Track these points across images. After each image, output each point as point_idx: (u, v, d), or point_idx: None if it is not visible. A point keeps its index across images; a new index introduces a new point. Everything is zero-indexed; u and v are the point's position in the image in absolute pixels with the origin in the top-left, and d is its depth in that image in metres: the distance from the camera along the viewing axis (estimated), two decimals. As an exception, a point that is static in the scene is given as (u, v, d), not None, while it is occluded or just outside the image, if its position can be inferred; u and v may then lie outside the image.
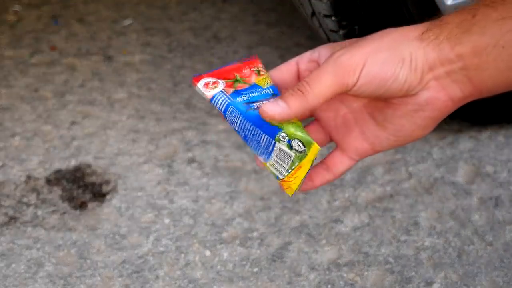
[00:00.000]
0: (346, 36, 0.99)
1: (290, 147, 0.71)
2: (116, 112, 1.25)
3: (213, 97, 0.71)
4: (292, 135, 0.70)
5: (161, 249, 1.00)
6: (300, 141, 0.70)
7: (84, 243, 1.01)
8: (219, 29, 1.49)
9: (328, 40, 1.06)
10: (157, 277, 0.96)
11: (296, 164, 0.72)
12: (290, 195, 0.74)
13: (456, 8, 0.98)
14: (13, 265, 0.97)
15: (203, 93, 0.71)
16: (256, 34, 1.48)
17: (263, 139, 0.72)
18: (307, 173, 0.72)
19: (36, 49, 1.42)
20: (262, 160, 0.72)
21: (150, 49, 1.43)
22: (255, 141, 0.73)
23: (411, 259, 0.98)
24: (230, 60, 1.39)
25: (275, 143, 0.71)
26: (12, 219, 1.04)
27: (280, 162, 0.73)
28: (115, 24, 1.51)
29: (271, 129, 0.70)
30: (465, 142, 1.16)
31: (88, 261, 0.98)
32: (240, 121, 0.71)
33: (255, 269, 0.97)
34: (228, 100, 0.71)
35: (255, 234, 1.02)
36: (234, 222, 1.04)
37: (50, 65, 1.37)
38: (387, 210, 1.05)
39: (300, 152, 0.71)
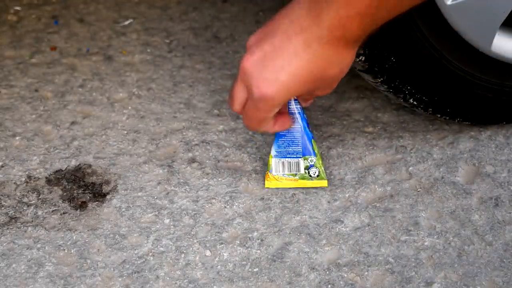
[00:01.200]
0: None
1: (307, 168, 1.04)
2: (116, 112, 1.25)
3: (296, 99, 1.03)
4: (317, 164, 1.05)
5: (161, 249, 1.00)
6: (319, 172, 1.05)
7: (84, 243, 1.01)
8: (219, 29, 1.49)
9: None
10: (157, 277, 0.96)
11: (296, 177, 1.05)
12: (265, 187, 1.07)
13: (456, 8, 0.98)
14: (14, 265, 0.97)
15: None
16: (256, 34, 1.48)
17: (295, 149, 1.04)
18: (292, 188, 1.06)
19: (36, 49, 1.42)
20: (272, 153, 1.04)
21: (150, 49, 1.43)
22: (287, 143, 1.04)
23: (411, 259, 0.98)
24: (230, 60, 1.39)
25: (300, 157, 1.04)
26: (13, 219, 1.04)
27: (286, 167, 1.04)
28: (115, 24, 1.51)
29: (308, 150, 1.04)
30: (465, 142, 1.16)
31: (88, 261, 0.98)
32: (296, 126, 1.03)
33: (255, 269, 0.97)
34: (300, 110, 1.04)
35: (255, 234, 1.02)
36: (234, 222, 1.04)
37: (50, 65, 1.37)
38: (387, 210, 1.05)
39: (311, 176, 1.05)
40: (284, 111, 1.00)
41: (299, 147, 1.04)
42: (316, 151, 1.05)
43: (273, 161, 1.05)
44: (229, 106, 0.92)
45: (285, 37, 0.83)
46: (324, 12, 0.79)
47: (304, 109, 1.04)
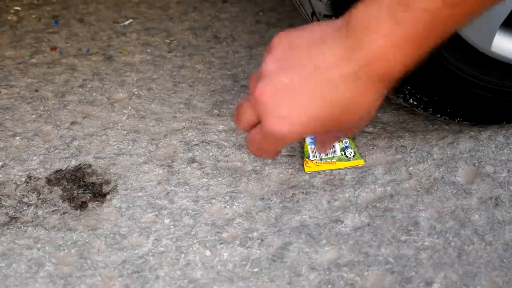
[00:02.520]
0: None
1: (343, 149, 1.10)
2: (116, 112, 1.25)
3: None
4: (351, 146, 1.11)
5: (161, 249, 1.00)
6: (354, 152, 1.11)
7: (84, 243, 1.01)
8: (219, 29, 1.49)
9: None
10: (157, 277, 0.96)
11: (333, 160, 1.10)
12: (305, 172, 1.10)
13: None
14: (14, 265, 0.97)
15: None
16: (256, 34, 1.48)
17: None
18: (332, 170, 1.10)
19: (36, 49, 1.42)
20: (307, 141, 1.10)
21: (150, 49, 1.43)
22: None
23: (411, 259, 0.98)
24: (230, 60, 1.39)
25: None
26: (13, 219, 1.04)
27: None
28: (115, 24, 1.51)
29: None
30: (465, 142, 1.16)
31: (89, 261, 0.98)
32: None
33: (255, 269, 0.97)
34: None
35: (255, 234, 1.02)
36: (234, 222, 1.04)
37: (50, 65, 1.37)
38: (387, 210, 1.05)
39: (347, 157, 1.10)
40: None
41: None
42: None
43: (309, 148, 1.11)
44: (236, 123, 0.83)
45: (305, 73, 0.71)
46: (357, 46, 0.67)
47: None
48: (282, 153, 1.15)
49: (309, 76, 0.70)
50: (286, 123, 0.73)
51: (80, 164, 1.14)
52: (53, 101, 1.28)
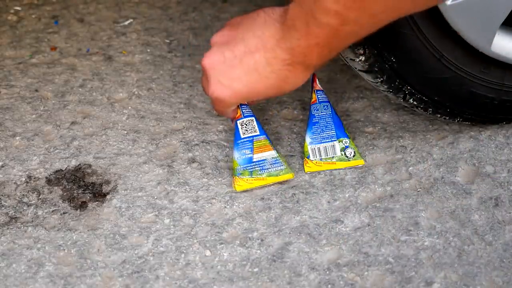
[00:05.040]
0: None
1: (343, 149, 1.10)
2: (116, 112, 1.25)
3: (322, 90, 1.15)
4: (351, 145, 1.11)
5: (161, 249, 1.00)
6: (354, 152, 1.11)
7: (84, 243, 1.01)
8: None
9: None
10: (157, 277, 0.96)
11: (333, 160, 1.10)
12: (305, 172, 1.11)
13: (456, 8, 0.98)
14: (14, 265, 0.97)
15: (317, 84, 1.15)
16: (256, 34, 1.48)
17: (329, 133, 1.11)
18: (332, 170, 1.11)
19: (36, 49, 1.42)
20: (307, 141, 1.11)
21: (150, 49, 1.43)
22: (320, 128, 1.11)
23: (411, 259, 0.98)
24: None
25: (335, 140, 1.10)
26: (13, 219, 1.04)
27: (323, 151, 1.10)
28: (115, 24, 1.51)
29: (342, 133, 1.11)
30: (465, 142, 1.16)
31: (89, 261, 0.98)
32: (327, 113, 1.12)
33: (255, 269, 0.97)
34: (327, 99, 1.15)
35: (255, 234, 1.02)
36: (234, 222, 1.04)
37: (50, 65, 1.37)
38: (387, 210, 1.05)
39: (347, 157, 1.10)
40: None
41: (332, 131, 1.11)
42: (347, 133, 1.13)
43: (309, 148, 1.11)
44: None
45: (248, 50, 0.90)
46: (287, 37, 0.86)
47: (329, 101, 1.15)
48: (282, 153, 1.15)
49: (249, 53, 0.90)
50: (226, 90, 0.94)
51: (80, 164, 1.14)
52: (53, 101, 1.28)
